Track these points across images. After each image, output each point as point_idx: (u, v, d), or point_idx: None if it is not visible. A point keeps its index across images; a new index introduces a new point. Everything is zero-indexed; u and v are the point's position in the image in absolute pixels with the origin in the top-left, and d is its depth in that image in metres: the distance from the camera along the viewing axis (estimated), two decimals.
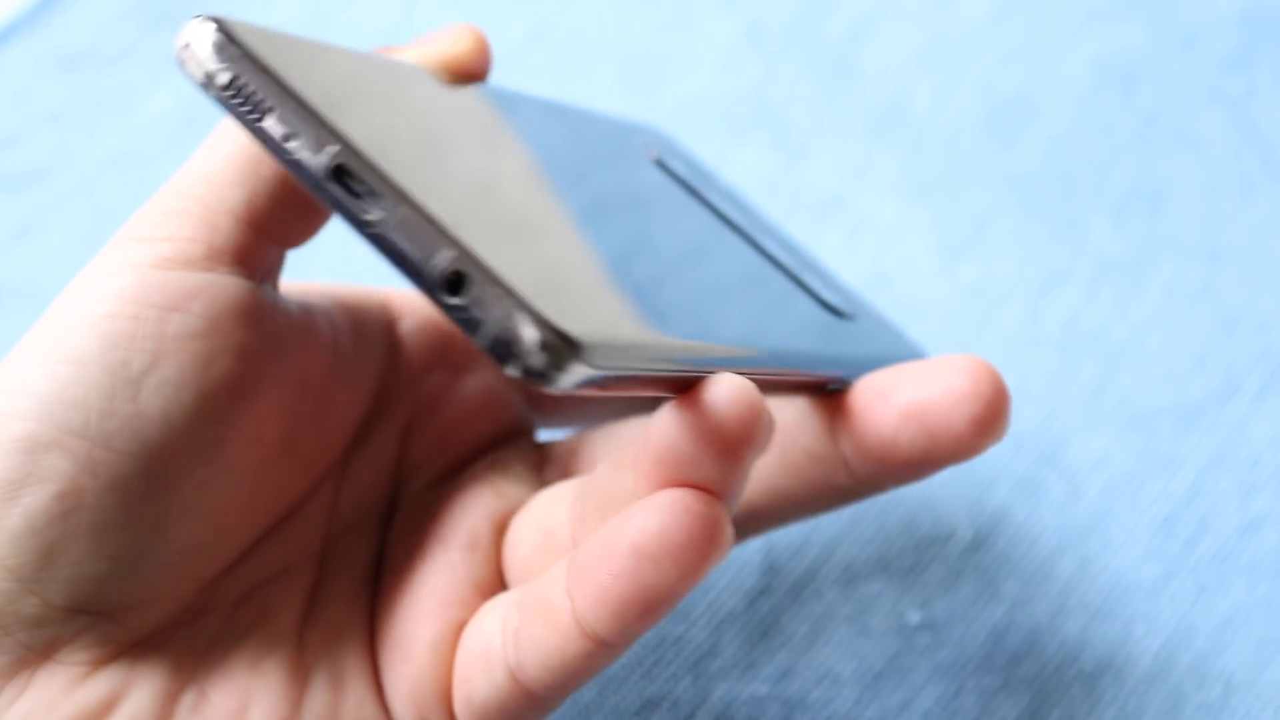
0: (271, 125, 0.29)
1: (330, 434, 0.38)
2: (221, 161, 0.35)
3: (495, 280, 0.27)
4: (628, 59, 0.61)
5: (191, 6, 0.63)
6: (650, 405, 0.38)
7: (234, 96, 0.29)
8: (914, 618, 0.46)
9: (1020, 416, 0.50)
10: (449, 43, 0.38)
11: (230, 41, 0.29)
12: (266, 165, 0.34)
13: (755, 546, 0.47)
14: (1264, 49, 0.59)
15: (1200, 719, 0.44)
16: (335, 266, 0.56)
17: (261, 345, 0.35)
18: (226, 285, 0.34)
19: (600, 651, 0.32)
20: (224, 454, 0.34)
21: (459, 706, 0.35)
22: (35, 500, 0.32)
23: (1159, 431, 0.50)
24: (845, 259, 0.53)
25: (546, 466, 0.40)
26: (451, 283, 0.28)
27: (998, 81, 0.59)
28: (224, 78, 0.29)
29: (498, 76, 0.61)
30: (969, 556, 0.47)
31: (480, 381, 0.40)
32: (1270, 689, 0.44)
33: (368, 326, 0.39)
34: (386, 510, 0.39)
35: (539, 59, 0.61)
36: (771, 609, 0.46)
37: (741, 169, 0.57)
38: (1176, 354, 0.52)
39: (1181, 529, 0.48)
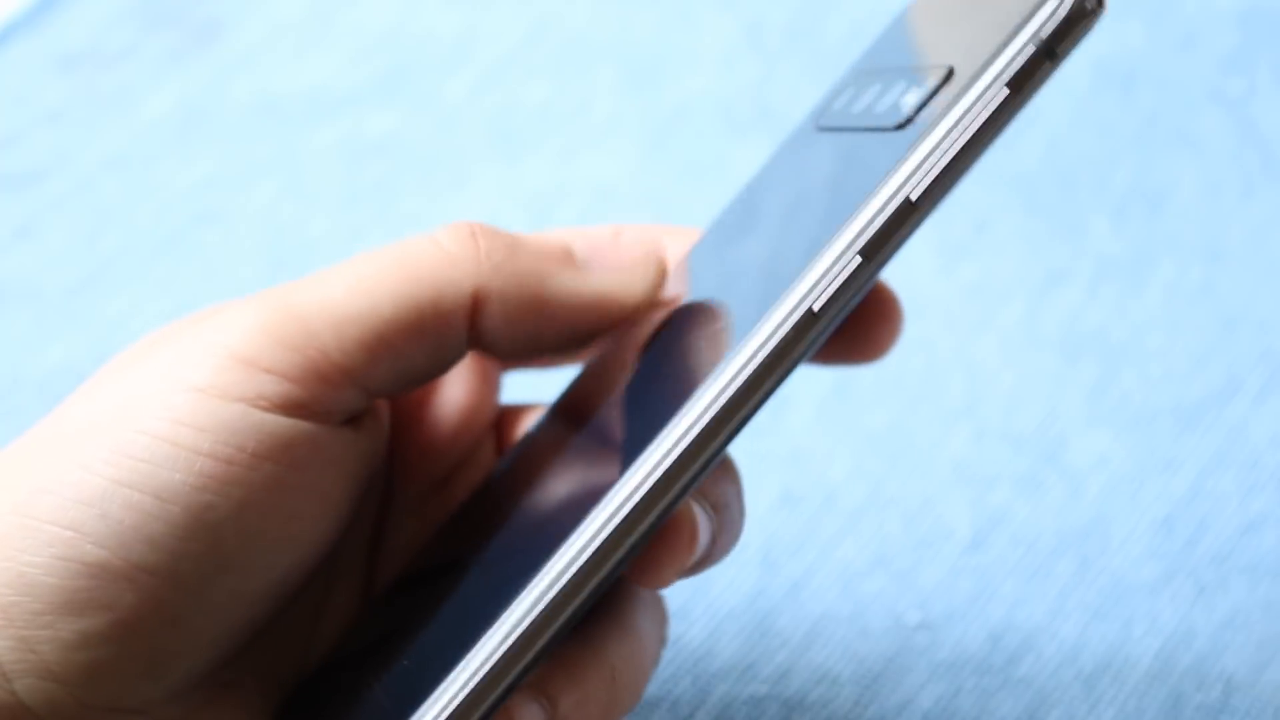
0: None
1: (367, 524, 0.38)
2: (345, 301, 0.34)
3: None
4: (628, 59, 0.61)
5: (191, 6, 0.63)
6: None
7: None
8: (913, 618, 0.46)
9: (1020, 416, 0.50)
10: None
11: None
12: (386, 304, 0.34)
13: (754, 546, 0.47)
14: (1264, 49, 0.59)
15: None
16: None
17: (341, 493, 0.34)
18: (320, 437, 0.33)
19: None
20: (286, 589, 0.34)
21: None
22: (94, 623, 0.32)
23: (1159, 431, 0.50)
24: None
25: None
26: None
27: None
28: None
29: (497, 77, 0.61)
30: (968, 556, 0.47)
31: (459, 388, 0.40)
32: (1270, 689, 0.44)
33: None
34: (374, 535, 0.39)
35: (539, 59, 0.61)
36: (770, 609, 0.46)
37: (742, 169, 0.57)
38: (1176, 354, 0.52)
39: (1181, 529, 0.48)
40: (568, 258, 0.36)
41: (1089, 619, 0.46)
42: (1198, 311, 0.53)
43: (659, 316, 0.36)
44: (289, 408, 0.33)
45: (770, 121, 0.58)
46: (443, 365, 0.35)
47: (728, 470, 0.36)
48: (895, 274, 0.54)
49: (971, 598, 0.46)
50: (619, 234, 0.39)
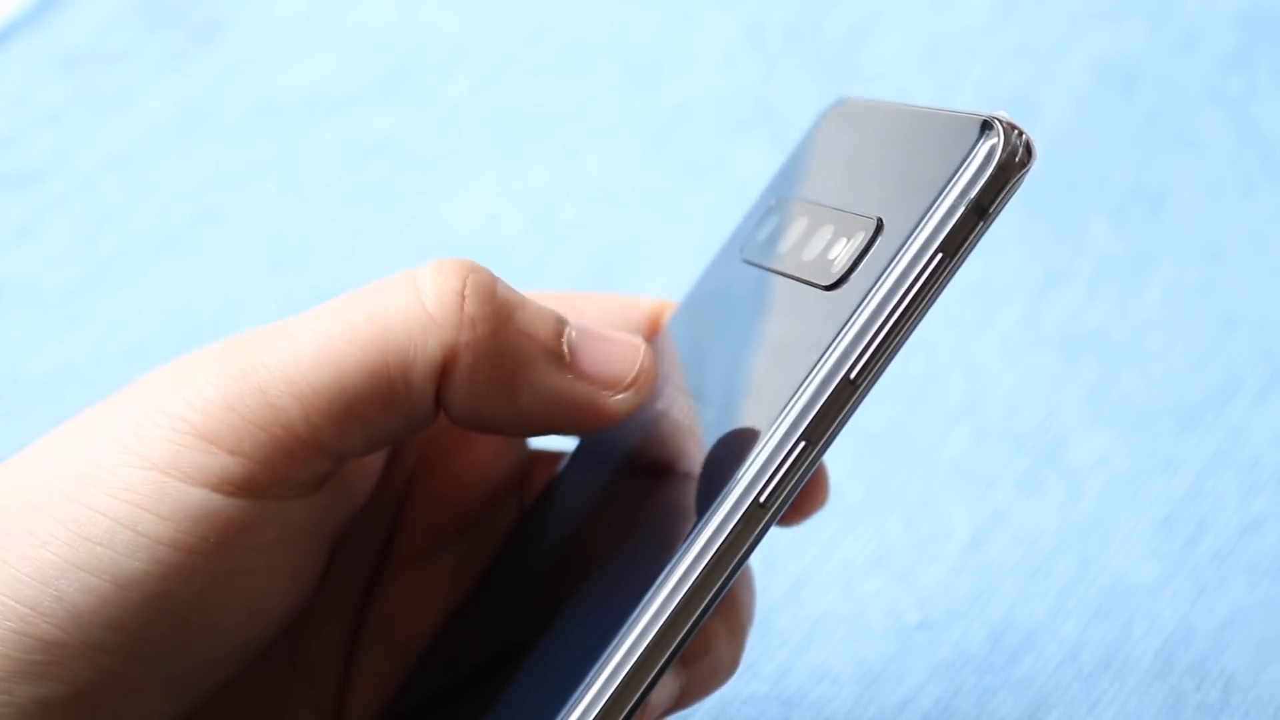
0: None
1: (357, 573, 0.37)
2: (311, 372, 0.31)
3: None
4: (628, 59, 0.61)
5: (191, 6, 0.63)
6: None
7: None
8: (913, 617, 0.46)
9: (1020, 416, 0.50)
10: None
11: None
12: (355, 375, 0.31)
13: None
14: (1264, 49, 0.59)
15: (1200, 719, 0.44)
16: (335, 267, 0.56)
17: (312, 561, 0.34)
18: (288, 513, 0.32)
19: None
20: (254, 650, 0.34)
21: None
22: (51, 691, 0.31)
23: (1159, 431, 0.50)
24: None
25: None
26: None
27: (998, 81, 0.59)
28: None
29: (497, 77, 0.61)
30: (968, 556, 0.47)
31: (488, 442, 0.38)
32: (1270, 689, 0.44)
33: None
34: (371, 579, 0.38)
35: (539, 59, 0.61)
36: (771, 608, 0.46)
37: (742, 169, 0.57)
38: (1176, 354, 0.52)
39: (1181, 529, 0.48)
40: (555, 346, 0.33)
41: (1089, 618, 0.46)
42: (1198, 311, 0.53)
43: (637, 424, 0.36)
44: (253, 490, 0.31)
45: (770, 121, 0.58)
46: (414, 429, 0.33)
47: (720, 613, 0.35)
48: None
49: (971, 597, 0.46)
50: (625, 308, 0.38)
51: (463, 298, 0.32)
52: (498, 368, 0.32)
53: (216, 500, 0.31)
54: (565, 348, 0.33)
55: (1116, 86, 0.59)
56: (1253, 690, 0.44)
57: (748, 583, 0.36)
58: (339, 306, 0.32)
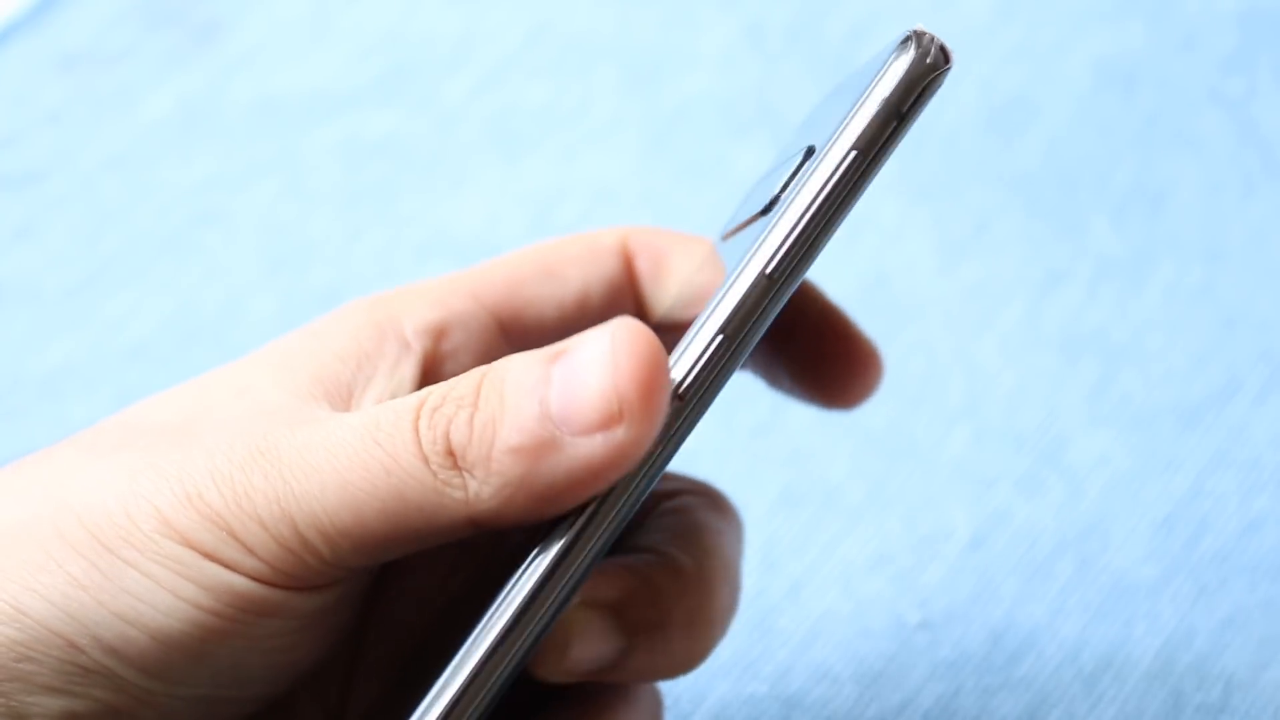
0: None
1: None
2: (336, 512, 0.31)
3: None
4: (628, 59, 0.61)
5: (191, 6, 0.63)
6: None
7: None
8: (913, 617, 0.46)
9: (1020, 416, 0.50)
10: None
11: None
12: (377, 525, 0.31)
13: (754, 546, 0.47)
14: (1264, 49, 0.59)
15: (1200, 719, 0.44)
16: (335, 267, 0.56)
17: (346, 616, 0.34)
18: (317, 600, 0.33)
19: None
20: (282, 689, 0.34)
21: None
22: (83, 707, 0.32)
23: (1159, 431, 0.50)
24: (845, 260, 0.53)
25: None
26: None
27: (998, 81, 0.59)
28: None
29: (497, 77, 0.61)
30: (968, 556, 0.47)
31: None
32: (1270, 689, 0.44)
33: None
34: (374, 580, 0.37)
35: (539, 59, 0.61)
36: (771, 608, 0.46)
37: (741, 169, 0.57)
38: (1176, 354, 0.52)
39: (1181, 529, 0.48)
40: (546, 435, 0.31)
41: (1089, 618, 0.46)
42: (1198, 311, 0.53)
43: None
44: (282, 585, 0.32)
45: (771, 122, 0.58)
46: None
47: (684, 585, 0.35)
48: (896, 273, 0.54)
49: (972, 597, 0.46)
50: (592, 248, 0.38)
51: (454, 456, 0.31)
52: (513, 492, 0.31)
53: (251, 585, 0.32)
54: (554, 427, 0.31)
55: (1116, 86, 0.59)
56: (1253, 690, 0.44)
57: (728, 577, 0.36)
58: (355, 445, 0.31)
